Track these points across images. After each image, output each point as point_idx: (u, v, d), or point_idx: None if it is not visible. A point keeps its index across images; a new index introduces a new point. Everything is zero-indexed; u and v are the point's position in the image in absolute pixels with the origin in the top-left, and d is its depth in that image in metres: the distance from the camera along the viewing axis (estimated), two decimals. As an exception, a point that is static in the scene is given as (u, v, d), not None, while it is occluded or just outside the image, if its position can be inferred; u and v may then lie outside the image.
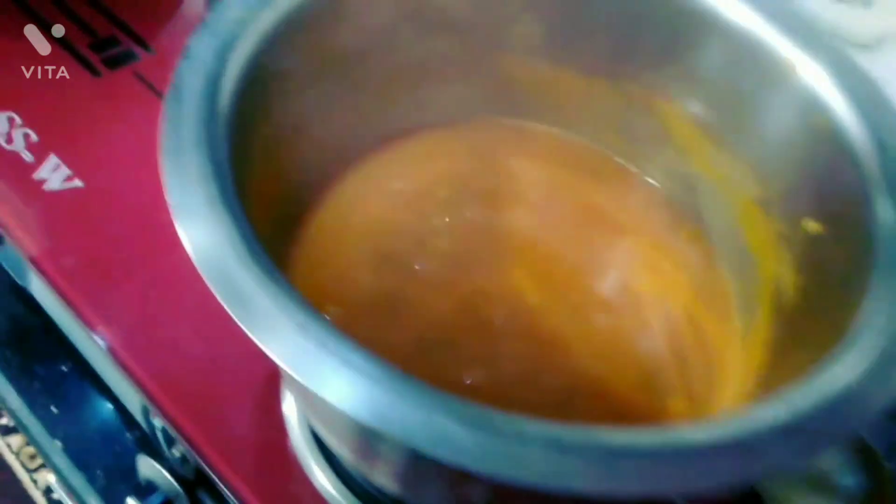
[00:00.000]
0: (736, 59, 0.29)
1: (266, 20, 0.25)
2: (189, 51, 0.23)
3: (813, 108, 0.27)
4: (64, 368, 0.44)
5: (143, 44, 0.48)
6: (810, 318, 0.28)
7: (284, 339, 0.19)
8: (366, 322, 0.29)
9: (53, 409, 0.43)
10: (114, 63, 0.46)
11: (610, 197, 0.35)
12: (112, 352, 0.35)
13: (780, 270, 0.29)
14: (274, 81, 0.26)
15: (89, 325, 0.36)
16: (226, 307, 0.19)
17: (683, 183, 0.34)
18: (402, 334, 0.29)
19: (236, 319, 0.19)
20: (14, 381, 0.44)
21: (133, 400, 0.38)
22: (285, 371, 0.18)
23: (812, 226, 0.28)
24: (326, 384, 0.18)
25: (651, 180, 0.35)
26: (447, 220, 0.33)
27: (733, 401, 0.29)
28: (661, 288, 0.32)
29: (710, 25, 0.29)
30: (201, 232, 0.20)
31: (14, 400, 0.44)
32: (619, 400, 0.28)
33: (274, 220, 0.29)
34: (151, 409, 0.35)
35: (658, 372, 0.29)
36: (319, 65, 0.29)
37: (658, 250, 0.33)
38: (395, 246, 0.32)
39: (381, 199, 0.34)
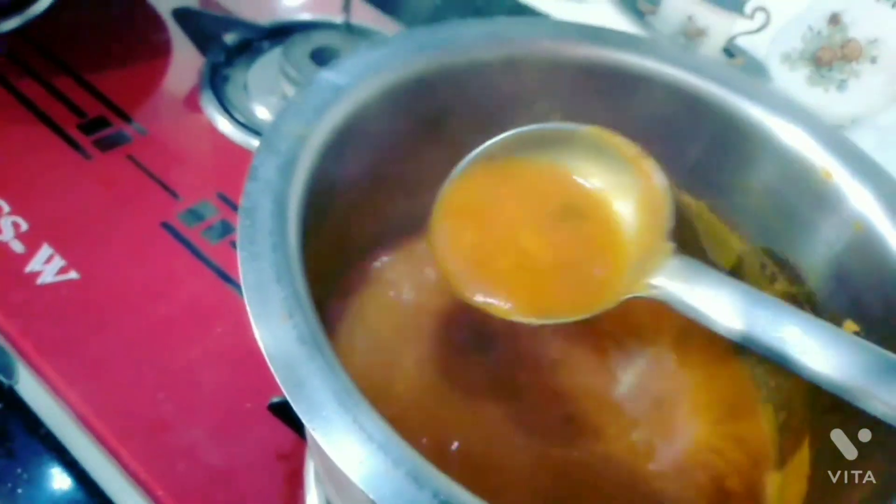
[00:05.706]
0: (769, 164, 0.30)
1: (322, 133, 0.25)
2: (255, 171, 0.22)
3: (855, 220, 0.28)
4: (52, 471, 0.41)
5: (131, 122, 0.46)
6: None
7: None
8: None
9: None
10: (105, 145, 0.45)
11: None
12: (120, 460, 0.33)
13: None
14: (331, 188, 0.25)
15: (93, 431, 0.34)
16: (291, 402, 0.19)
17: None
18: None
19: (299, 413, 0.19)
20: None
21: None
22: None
23: (850, 326, 0.28)
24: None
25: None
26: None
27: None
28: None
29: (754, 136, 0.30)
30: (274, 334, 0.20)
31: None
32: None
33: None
34: (165, 522, 0.33)
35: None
36: (368, 167, 0.28)
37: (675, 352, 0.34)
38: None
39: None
